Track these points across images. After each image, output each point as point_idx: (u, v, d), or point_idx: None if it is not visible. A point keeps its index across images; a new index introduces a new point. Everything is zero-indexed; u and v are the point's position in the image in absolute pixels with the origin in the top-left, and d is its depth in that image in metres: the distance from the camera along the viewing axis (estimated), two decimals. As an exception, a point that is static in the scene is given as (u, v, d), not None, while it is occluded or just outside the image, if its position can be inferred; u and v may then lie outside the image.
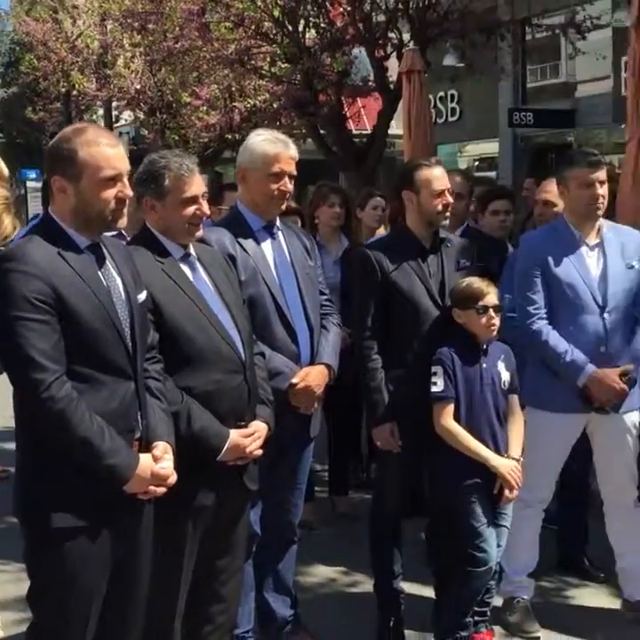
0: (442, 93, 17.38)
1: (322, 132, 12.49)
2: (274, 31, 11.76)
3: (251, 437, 3.51)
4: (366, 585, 4.85)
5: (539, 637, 4.53)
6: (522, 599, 4.66)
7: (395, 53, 11.55)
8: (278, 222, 4.18)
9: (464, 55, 12.72)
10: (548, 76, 16.61)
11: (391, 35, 11.58)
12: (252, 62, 12.58)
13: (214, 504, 3.46)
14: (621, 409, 4.49)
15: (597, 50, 13.87)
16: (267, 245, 4.12)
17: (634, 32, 6.85)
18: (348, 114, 13.00)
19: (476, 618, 4.28)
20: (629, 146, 6.98)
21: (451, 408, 4.13)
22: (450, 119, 17.89)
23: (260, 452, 3.56)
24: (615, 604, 4.84)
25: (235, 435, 3.45)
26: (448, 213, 4.37)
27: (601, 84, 14.60)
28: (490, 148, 17.61)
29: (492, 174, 16.56)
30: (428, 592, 4.63)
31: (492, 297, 4.15)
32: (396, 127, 12.72)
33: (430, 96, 13.15)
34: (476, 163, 18.91)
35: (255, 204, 4.10)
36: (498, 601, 4.60)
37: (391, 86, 11.54)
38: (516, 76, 15.66)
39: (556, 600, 4.99)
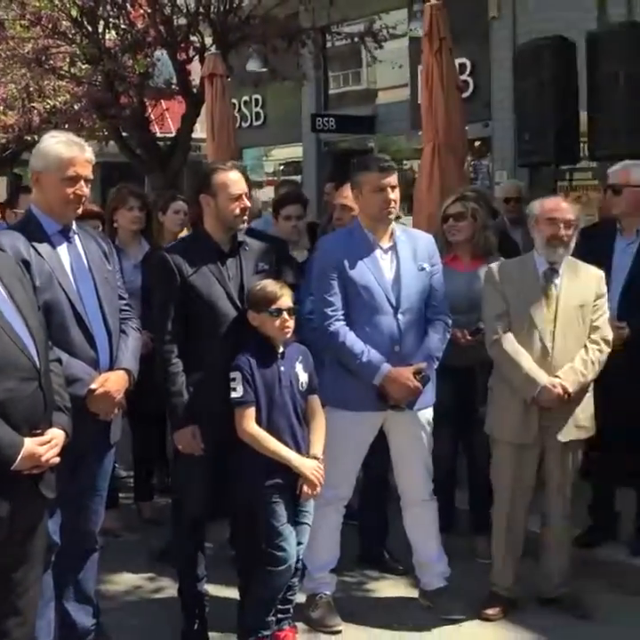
0: (246, 97, 17.46)
1: (125, 134, 12.31)
2: (72, 31, 11.50)
3: (47, 445, 3.44)
4: (171, 589, 4.83)
5: (340, 631, 4.64)
6: (324, 595, 4.77)
7: (197, 57, 11.52)
8: (74, 226, 4.12)
9: (267, 60, 12.83)
10: (350, 83, 16.96)
11: (193, 38, 11.53)
12: (51, 62, 12.25)
13: (9, 514, 3.36)
14: (416, 406, 4.66)
15: (395, 58, 14.27)
16: (63, 250, 4.04)
17: (427, 42, 7.13)
18: (151, 116, 12.86)
19: (279, 615, 4.35)
20: (425, 152, 7.25)
21: (252, 412, 4.18)
22: (255, 123, 17.99)
23: (57, 459, 3.48)
24: (413, 594, 5.02)
25: (29, 443, 3.36)
26: (246, 217, 4.43)
27: (399, 91, 15.01)
28: (295, 152, 17.81)
29: (297, 178, 16.76)
30: (234, 593, 4.65)
31: (285, 299, 4.23)
32: (200, 130, 12.69)
33: (234, 100, 13.21)
34: (282, 167, 19.09)
35: (50, 207, 4.03)
36: (301, 597, 4.68)
37: (194, 90, 11.51)
38: (319, 82, 15.92)
39: (357, 594, 5.13)
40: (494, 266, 4.80)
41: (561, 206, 4.65)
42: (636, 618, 4.75)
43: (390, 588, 5.18)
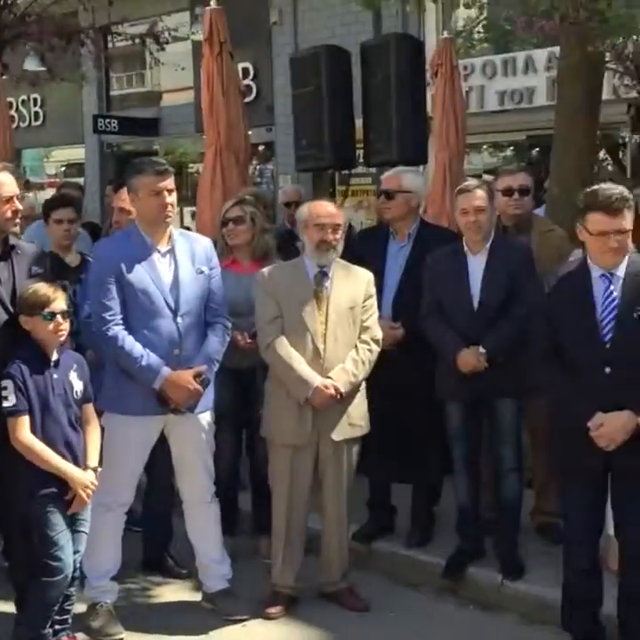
0: (24, 97, 16.98)
1: None
2: None
3: None
4: (-57, 608, 4.64)
5: (122, 639, 4.58)
6: (105, 603, 4.68)
7: (-32, 53, 11.10)
8: None
9: (44, 59, 12.51)
10: (134, 85, 16.82)
11: (-35, 34, 11.13)
12: None
13: None
14: (197, 409, 4.66)
15: (179, 61, 14.25)
16: None
17: (207, 46, 7.16)
18: None
19: (56, 627, 4.24)
20: (207, 155, 7.27)
21: (25, 421, 4.07)
22: (34, 123, 17.52)
23: None
24: (197, 597, 5.01)
25: None
26: (17, 220, 4.31)
27: (183, 94, 15.01)
28: (77, 153, 17.49)
29: (80, 180, 16.45)
30: (9, 607, 4.50)
31: (59, 302, 4.15)
32: (-24, 130, 12.22)
33: (11, 99, 12.81)
34: (64, 168, 18.68)
35: None
36: (81, 607, 4.60)
37: (-32, 87, 11.07)
38: (100, 83, 15.70)
39: (140, 601, 5.07)
40: (265, 270, 4.85)
41: (328, 211, 4.74)
42: (411, 608, 4.93)
43: (174, 593, 5.15)
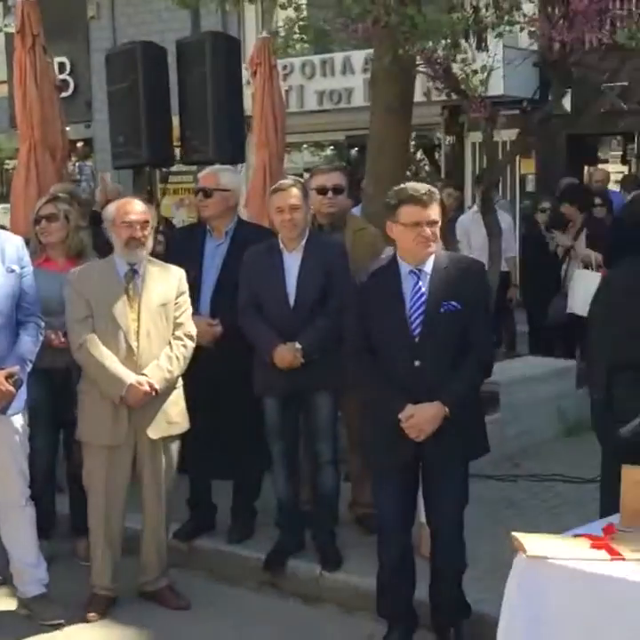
0: None
1: None
2: None
3: None
4: None
5: None
6: None
7: None
8: None
9: None
10: (-56, 77, 16.17)
11: None
12: None
13: None
14: (9, 411, 4.55)
15: (-7, 53, 13.86)
16: None
17: (19, 39, 6.99)
18: None
19: None
20: (21, 151, 7.11)
21: None
22: None
23: None
24: (13, 604, 4.89)
25: None
26: None
27: (-2, 88, 14.57)
28: None
29: None
30: None
31: None
32: None
33: None
34: None
35: None
36: None
37: None
38: None
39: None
40: (76, 269, 4.81)
41: (136, 209, 4.73)
42: (232, 603, 4.97)
43: (-13, 600, 5.03)
